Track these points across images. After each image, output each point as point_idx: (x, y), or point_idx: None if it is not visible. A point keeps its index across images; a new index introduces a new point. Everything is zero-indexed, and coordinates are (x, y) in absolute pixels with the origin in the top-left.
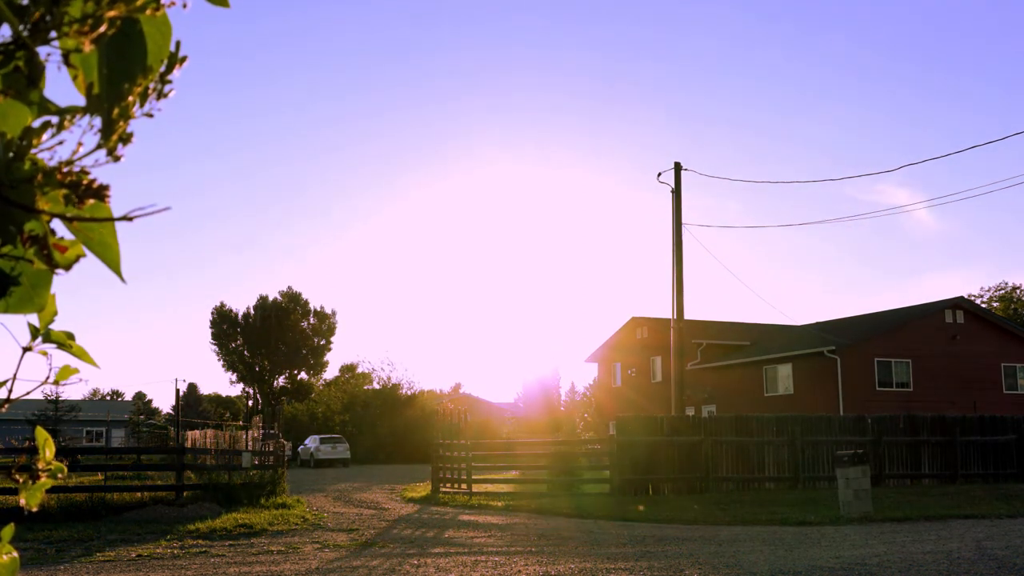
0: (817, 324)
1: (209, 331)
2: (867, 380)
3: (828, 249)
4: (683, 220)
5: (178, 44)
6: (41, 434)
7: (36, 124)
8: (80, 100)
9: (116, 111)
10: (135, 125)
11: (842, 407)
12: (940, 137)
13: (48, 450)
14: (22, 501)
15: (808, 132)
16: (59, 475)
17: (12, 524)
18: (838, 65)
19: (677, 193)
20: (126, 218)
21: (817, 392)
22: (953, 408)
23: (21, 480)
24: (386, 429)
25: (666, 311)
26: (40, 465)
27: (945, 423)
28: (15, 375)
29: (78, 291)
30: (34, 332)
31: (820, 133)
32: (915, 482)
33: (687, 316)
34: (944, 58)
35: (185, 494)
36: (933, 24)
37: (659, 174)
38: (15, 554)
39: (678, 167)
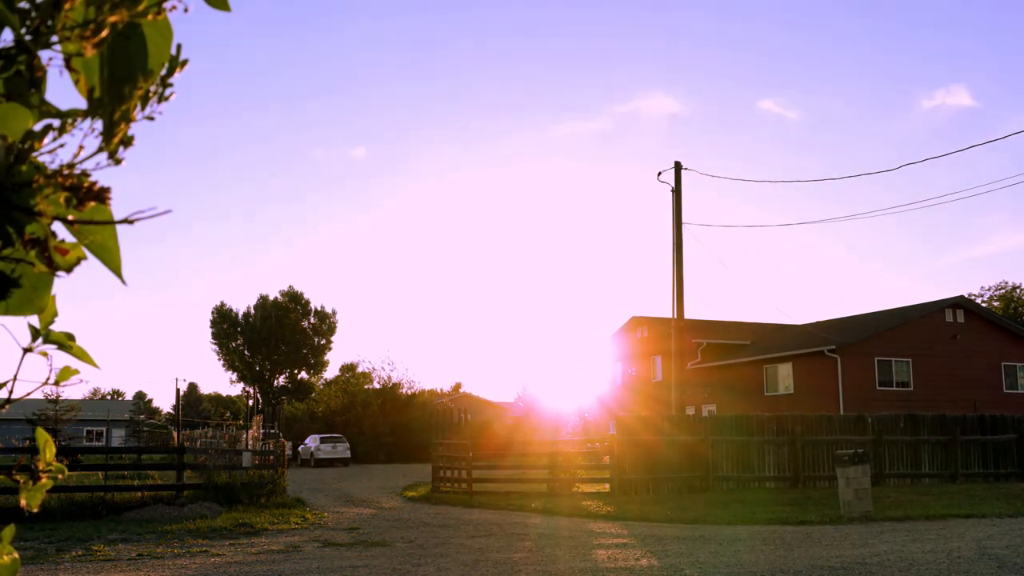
0: (817, 323)
1: (209, 331)
2: (867, 379)
3: (828, 248)
4: (683, 220)
5: (179, 47)
6: (42, 435)
7: (37, 127)
8: (81, 103)
9: (117, 114)
10: (136, 128)
11: (842, 406)
12: (941, 135)
13: (49, 451)
14: (23, 502)
15: (809, 130)
16: (60, 476)
17: (13, 525)
18: (837, 62)
19: (677, 192)
20: (127, 221)
21: (817, 391)
22: (953, 407)
23: (22, 481)
24: (386, 428)
25: (666, 311)
26: (41, 466)
27: (945, 422)
28: (15, 376)
29: (79, 291)
30: (34, 333)
31: (821, 131)
32: (915, 481)
33: (687, 316)
34: (944, 55)
35: (185, 493)
36: (932, 21)
37: (659, 173)
38: (16, 555)
39: (678, 166)
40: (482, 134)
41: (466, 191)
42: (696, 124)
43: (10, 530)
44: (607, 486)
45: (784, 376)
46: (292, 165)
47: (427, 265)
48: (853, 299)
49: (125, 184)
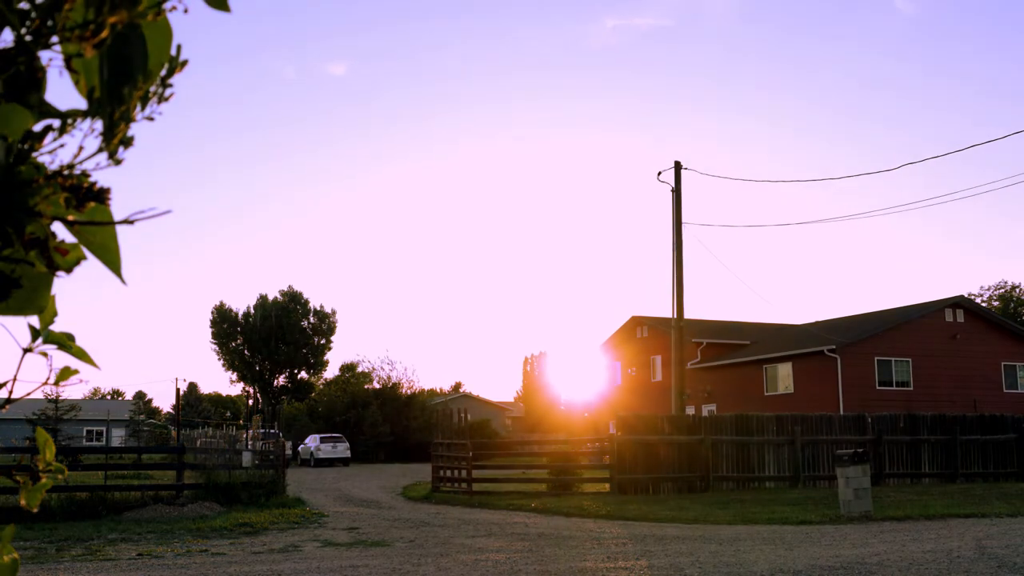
0: (817, 323)
1: (209, 330)
2: (867, 379)
3: (828, 248)
4: (683, 219)
5: (179, 48)
6: (42, 435)
7: (37, 128)
8: (81, 104)
9: (117, 114)
10: (136, 128)
11: (842, 406)
12: (941, 135)
13: (48, 451)
14: (23, 502)
15: (810, 130)
16: (60, 476)
17: (13, 525)
18: (840, 63)
19: (677, 192)
20: (127, 222)
21: (817, 391)
22: (953, 407)
23: (22, 481)
24: (386, 428)
25: (666, 310)
26: (41, 466)
27: (945, 422)
28: (15, 376)
29: (79, 290)
30: (34, 333)
31: (822, 131)
32: (915, 481)
33: (687, 315)
34: (945, 54)
35: (185, 493)
36: (934, 21)
37: (659, 173)
38: (16, 554)
39: (678, 166)
40: (481, 135)
41: (466, 191)
42: (697, 122)
43: (10, 530)
44: (607, 486)
45: (784, 376)
46: (292, 164)
47: (427, 265)
48: (853, 299)
49: (122, 182)
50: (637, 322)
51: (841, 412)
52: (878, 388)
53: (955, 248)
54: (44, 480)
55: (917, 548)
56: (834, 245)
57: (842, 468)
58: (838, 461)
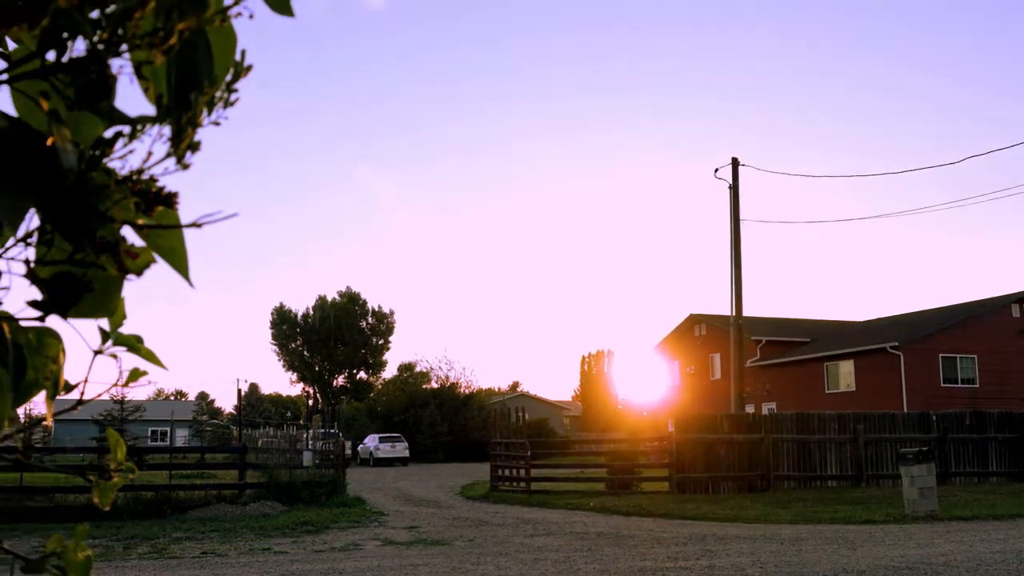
0: (879, 320)
1: (269, 331)
2: (931, 376)
3: (891, 243)
4: (741, 216)
5: (243, 53)
6: (113, 435)
7: (108, 134)
8: (149, 110)
9: (185, 120)
10: (202, 133)
11: (906, 404)
12: (1008, 125)
13: (119, 451)
14: (95, 500)
15: (871, 125)
16: (130, 475)
17: (86, 524)
18: (899, 55)
19: (735, 189)
20: (195, 225)
21: (880, 389)
22: (1021, 404)
23: (94, 480)
24: (444, 428)
25: (724, 308)
26: (112, 465)
27: (1013, 419)
28: (86, 377)
29: (144, 293)
30: (104, 335)
31: (882, 126)
32: (982, 480)
33: (746, 313)
34: (1008, 49)
35: (248, 492)
36: (1002, 14)
37: (716, 170)
38: (89, 552)
39: (735, 163)
40: (537, 133)
41: (523, 189)
42: (754, 116)
43: (83, 528)
44: (666, 485)
45: (846, 374)
46: (349, 165)
47: (485, 264)
48: (916, 294)
49: (183, 185)
50: (695, 320)
51: (905, 410)
52: (943, 385)
53: (1021, 241)
54: (116, 479)
55: (985, 548)
56: (896, 240)
57: (906, 467)
58: (902, 460)
